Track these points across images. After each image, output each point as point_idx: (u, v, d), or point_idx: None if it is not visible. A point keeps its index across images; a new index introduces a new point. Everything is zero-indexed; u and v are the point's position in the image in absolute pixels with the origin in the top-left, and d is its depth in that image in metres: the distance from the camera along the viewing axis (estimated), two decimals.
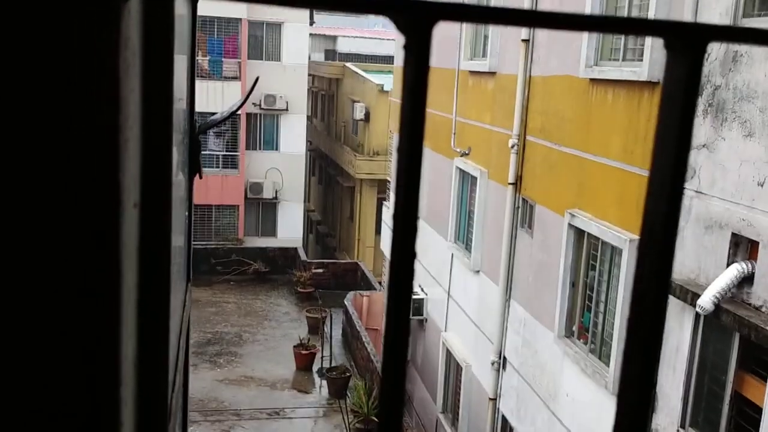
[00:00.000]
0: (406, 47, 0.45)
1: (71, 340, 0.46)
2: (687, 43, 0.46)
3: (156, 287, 0.64)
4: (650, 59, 7.23)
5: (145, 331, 0.62)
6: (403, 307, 0.49)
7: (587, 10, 8.41)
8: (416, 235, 0.47)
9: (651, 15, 7.22)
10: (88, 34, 0.40)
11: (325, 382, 16.67)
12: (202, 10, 26.19)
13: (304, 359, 17.45)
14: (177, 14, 1.01)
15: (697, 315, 6.29)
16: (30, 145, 0.43)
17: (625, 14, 7.96)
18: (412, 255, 0.47)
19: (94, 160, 0.42)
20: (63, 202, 0.43)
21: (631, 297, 0.52)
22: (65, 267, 0.44)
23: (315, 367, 17.53)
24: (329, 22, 43.68)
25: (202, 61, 25.12)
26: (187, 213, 1.53)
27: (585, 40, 8.47)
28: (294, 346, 17.69)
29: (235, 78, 25.27)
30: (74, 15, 0.40)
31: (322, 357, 17.39)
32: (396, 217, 0.45)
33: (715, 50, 6.36)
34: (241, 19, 25.11)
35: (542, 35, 9.82)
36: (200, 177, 1.61)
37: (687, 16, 6.67)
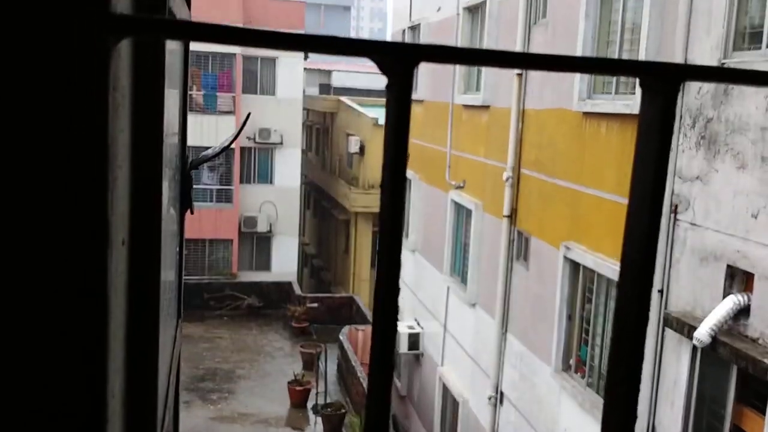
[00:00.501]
0: (388, 87, 0.46)
1: (56, 377, 0.46)
2: (661, 82, 0.47)
3: (145, 324, 0.64)
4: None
5: (134, 368, 0.62)
6: (388, 349, 0.50)
7: (579, 44, 8.54)
8: (399, 271, 0.47)
9: (642, 48, 7.32)
10: (78, 77, 0.41)
11: (320, 419, 16.45)
12: (197, 45, 26.49)
13: (299, 396, 17.25)
14: (168, 49, 1.02)
15: (695, 348, 6.27)
16: (18, 182, 0.43)
17: (617, 47, 8.09)
18: (396, 289, 0.48)
19: (82, 199, 0.43)
20: (51, 238, 0.43)
21: (613, 322, 0.52)
22: (52, 302, 0.44)
23: (310, 404, 17.32)
24: (324, 57, 44.15)
25: (197, 95, 25.31)
26: (178, 248, 1.54)
27: (578, 74, 8.58)
28: (288, 382, 17.50)
29: (229, 112, 25.43)
30: (64, 57, 0.41)
31: (317, 393, 17.20)
32: (380, 253, 0.46)
33: (706, 83, 6.45)
34: (235, 54, 25.38)
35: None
36: (191, 212, 1.61)
37: (678, 50, 6.77)
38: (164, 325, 1.00)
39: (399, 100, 0.45)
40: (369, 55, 0.44)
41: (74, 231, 0.45)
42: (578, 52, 8.56)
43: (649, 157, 0.48)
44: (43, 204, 0.42)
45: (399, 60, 0.44)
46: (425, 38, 14.50)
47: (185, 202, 1.50)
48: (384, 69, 0.45)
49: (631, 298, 0.50)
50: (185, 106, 1.59)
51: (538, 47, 9.85)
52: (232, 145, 26.32)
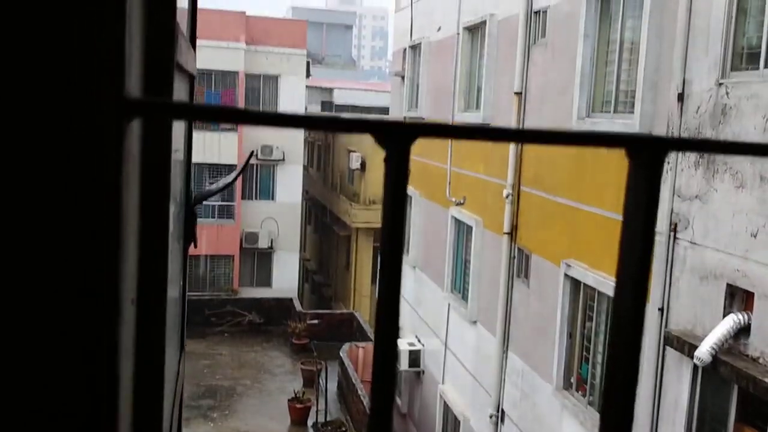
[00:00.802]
0: (386, 160, 0.48)
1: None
2: (647, 153, 0.50)
3: (150, 386, 0.66)
4: (641, 111, 7.36)
5: (139, 416, 0.64)
6: (389, 369, 0.52)
7: (578, 63, 8.60)
8: (397, 333, 0.49)
9: (641, 67, 7.37)
10: (92, 157, 0.44)
11: None
12: (200, 63, 26.48)
13: (299, 413, 17.17)
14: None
15: (695, 367, 6.26)
16: (36, 247, 0.45)
17: (616, 66, 8.14)
18: (396, 322, 0.50)
19: (94, 265, 0.45)
20: (63, 300, 0.45)
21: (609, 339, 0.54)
22: (62, 368, 0.46)
23: (310, 422, 17.24)
24: (326, 74, 44.41)
25: None
26: (181, 283, 1.56)
27: (577, 92, 8.64)
28: (288, 400, 17.43)
29: (232, 129, 25.53)
30: (80, 138, 0.43)
31: (317, 411, 17.12)
32: (377, 323, 0.48)
33: (704, 102, 6.49)
34: (238, 72, 25.52)
35: (535, 87, 10.00)
36: (195, 246, 1.63)
37: (676, 69, 6.82)
38: (168, 366, 1.02)
39: (396, 173, 0.47)
40: (370, 132, 0.47)
41: (85, 293, 0.47)
42: (577, 72, 8.62)
43: (637, 225, 0.50)
44: (61, 268, 0.45)
45: (397, 137, 0.46)
46: (425, 57, 14.59)
47: (188, 237, 1.53)
48: (382, 144, 0.47)
49: (618, 381, 0.52)
50: (190, 140, 1.62)
51: (537, 67, 9.92)
52: (234, 161, 26.36)
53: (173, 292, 1.28)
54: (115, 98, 0.43)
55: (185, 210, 1.49)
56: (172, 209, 1.27)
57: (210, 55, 24.35)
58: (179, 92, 1.24)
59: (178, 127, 1.35)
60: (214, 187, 2.50)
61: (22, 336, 0.47)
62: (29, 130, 0.43)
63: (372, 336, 21.14)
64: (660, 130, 6.99)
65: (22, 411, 0.48)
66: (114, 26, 0.43)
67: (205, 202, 25.95)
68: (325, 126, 0.46)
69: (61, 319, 0.46)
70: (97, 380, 0.46)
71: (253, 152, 3.25)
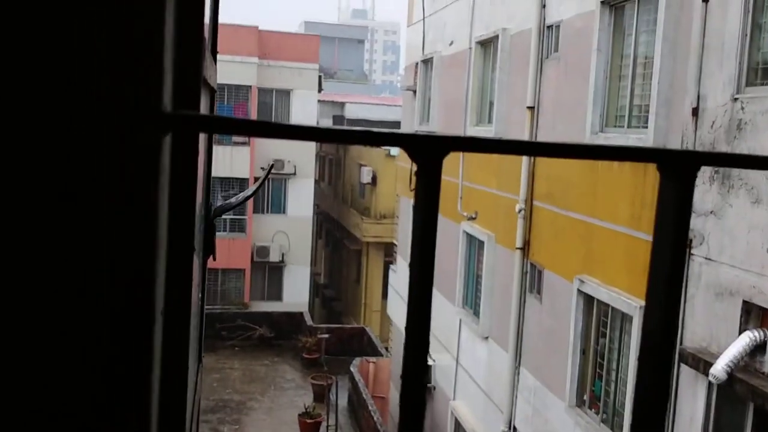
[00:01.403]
0: (418, 173, 0.48)
1: None
2: (678, 168, 0.50)
3: (175, 394, 0.66)
4: (655, 126, 7.33)
5: (164, 426, 0.64)
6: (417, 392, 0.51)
7: (591, 78, 8.59)
8: (427, 350, 0.49)
9: (654, 82, 7.35)
10: (131, 170, 0.44)
11: None
12: None
13: (310, 428, 17.10)
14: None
15: (710, 384, 6.19)
16: (76, 259, 0.46)
17: (629, 81, 8.13)
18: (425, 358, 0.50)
19: (133, 278, 0.45)
20: (102, 313, 0.46)
21: (637, 361, 0.54)
22: (102, 376, 0.46)
23: None
24: (337, 88, 44.63)
25: None
26: (200, 294, 1.56)
27: (590, 106, 8.63)
28: (299, 415, 17.37)
29: (244, 143, 25.67)
30: (118, 152, 0.44)
31: (327, 426, 17.05)
32: (408, 332, 0.48)
33: (719, 117, 6.46)
34: (251, 86, 25.68)
35: (547, 102, 10.00)
36: (214, 259, 1.64)
37: (690, 84, 6.80)
38: (188, 378, 1.02)
39: (428, 187, 0.47)
40: (402, 145, 0.47)
41: (122, 305, 0.47)
42: (590, 87, 8.61)
43: (667, 241, 0.50)
44: (99, 286, 0.45)
45: (429, 150, 0.46)
46: (437, 71, 14.64)
47: (208, 250, 1.53)
48: (414, 157, 0.47)
49: (650, 390, 0.52)
50: (210, 154, 1.64)
51: (550, 81, 9.92)
52: (246, 175, 26.48)
53: (194, 305, 1.29)
54: (154, 112, 0.43)
55: (205, 223, 1.50)
56: (195, 222, 1.28)
57: (223, 69, 24.46)
58: (203, 106, 1.26)
59: (200, 142, 1.36)
60: (234, 200, 2.52)
61: (65, 346, 0.47)
62: (74, 145, 0.44)
63: (382, 351, 21.05)
64: (674, 145, 6.96)
65: (65, 416, 0.48)
66: (153, 40, 0.44)
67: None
68: (358, 140, 0.46)
69: (101, 330, 0.46)
70: (133, 392, 0.46)
71: (272, 164, 3.27)
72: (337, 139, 0.46)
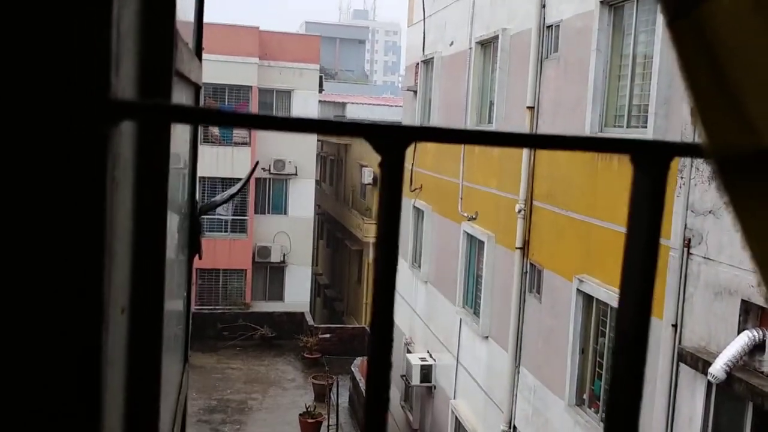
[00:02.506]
0: (381, 165, 0.47)
1: None
2: (651, 159, 0.48)
3: (146, 397, 0.64)
4: (654, 125, 7.32)
5: (132, 428, 0.63)
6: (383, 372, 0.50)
7: (591, 78, 8.57)
8: (391, 345, 0.48)
9: (654, 81, 7.34)
10: (75, 162, 0.43)
11: None
12: (214, 77, 26.60)
13: (311, 428, 17.10)
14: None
15: (709, 384, 6.17)
16: (14, 255, 0.44)
17: (628, 81, 8.11)
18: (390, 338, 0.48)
19: (77, 271, 0.44)
20: (45, 309, 0.44)
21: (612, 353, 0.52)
22: (45, 372, 0.45)
23: None
24: (338, 89, 44.63)
25: (213, 127, 25.57)
26: (186, 295, 1.55)
27: (589, 106, 8.61)
28: (300, 415, 17.36)
29: (245, 144, 25.67)
30: (62, 142, 0.42)
31: (328, 426, 17.04)
32: (372, 329, 0.46)
33: None
34: (251, 86, 25.68)
35: (547, 101, 9.99)
36: (200, 258, 1.63)
37: None
38: (169, 375, 1.01)
39: (391, 178, 0.46)
40: (364, 136, 0.46)
41: (70, 301, 0.46)
42: (590, 86, 8.59)
43: (641, 233, 0.48)
44: (39, 280, 0.44)
45: (392, 141, 0.45)
46: (438, 71, 14.62)
47: (194, 248, 1.52)
48: (377, 148, 0.46)
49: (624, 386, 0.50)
50: (196, 151, 1.62)
51: (549, 81, 9.91)
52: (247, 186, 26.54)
53: (176, 303, 1.28)
54: (100, 99, 0.42)
55: (190, 221, 1.49)
56: (177, 219, 1.27)
57: (224, 69, 24.54)
58: (183, 101, 1.24)
59: (183, 138, 1.35)
60: (219, 198, 2.50)
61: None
62: (8, 133, 0.42)
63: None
64: None
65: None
66: (100, 27, 0.43)
67: (217, 216, 26.07)
68: (316, 128, 0.45)
69: (44, 324, 0.45)
70: (79, 387, 0.45)
71: (257, 163, 3.26)
72: (293, 128, 0.44)
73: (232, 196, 2.55)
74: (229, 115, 0.42)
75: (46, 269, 0.44)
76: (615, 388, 0.50)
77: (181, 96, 1.12)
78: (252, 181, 25.81)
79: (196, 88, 1.49)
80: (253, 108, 25.77)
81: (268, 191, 26.93)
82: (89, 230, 0.43)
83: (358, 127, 0.45)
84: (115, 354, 0.53)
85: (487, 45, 12.27)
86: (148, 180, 0.62)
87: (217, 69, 24.20)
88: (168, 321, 0.93)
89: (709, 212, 6.46)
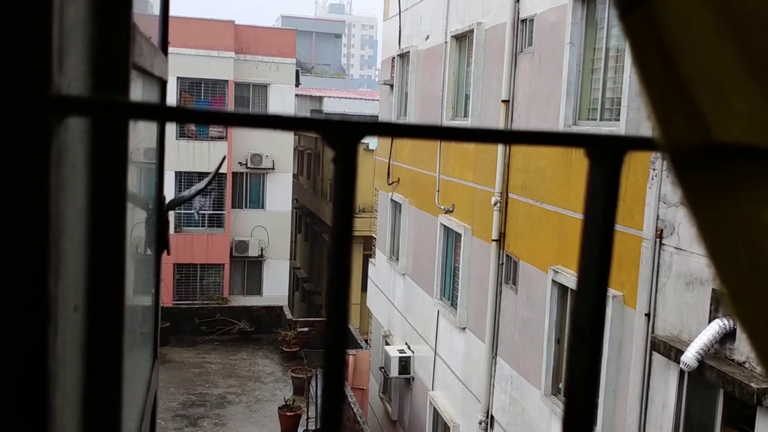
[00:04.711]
0: (334, 161, 0.47)
1: None
2: (606, 153, 0.48)
3: (107, 395, 0.63)
4: (627, 118, 7.39)
5: (91, 427, 0.62)
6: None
7: (564, 71, 8.63)
8: (346, 335, 0.48)
9: (626, 74, 7.41)
10: (16, 159, 0.42)
11: None
12: (190, 72, 26.31)
13: (289, 421, 17.09)
14: (143, 101, 1.02)
15: (682, 372, 6.27)
16: None
17: (602, 74, 8.17)
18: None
19: (20, 280, 0.43)
20: None
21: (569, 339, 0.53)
22: None
23: (300, 429, 17.15)
24: (315, 83, 44.44)
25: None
26: (154, 290, 1.53)
27: (563, 99, 8.67)
28: (279, 408, 17.35)
29: (221, 138, 25.48)
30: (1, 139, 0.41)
31: (307, 418, 17.04)
32: (327, 324, 0.46)
33: None
34: (227, 80, 25.49)
35: (522, 95, 10.03)
36: (168, 254, 1.61)
37: None
38: (135, 371, 0.99)
39: (344, 172, 0.46)
40: (316, 130, 0.45)
41: (13, 310, 0.45)
42: (564, 80, 8.65)
43: (595, 226, 0.48)
44: None
45: (343, 136, 0.45)
46: (414, 65, 14.62)
47: (161, 244, 1.50)
48: (330, 144, 0.46)
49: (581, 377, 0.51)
50: (162, 147, 1.60)
51: (524, 75, 9.95)
52: (224, 170, 26.28)
53: (142, 299, 1.26)
54: (40, 95, 0.41)
55: (158, 216, 1.47)
56: (142, 215, 1.25)
57: (199, 63, 24.32)
58: (147, 96, 1.23)
59: (149, 133, 1.33)
60: (186, 193, 2.49)
61: None
62: None
63: (362, 343, 21.11)
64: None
65: None
66: (39, 20, 0.41)
67: (194, 211, 25.88)
68: (269, 124, 0.44)
69: None
70: (24, 388, 0.44)
71: (224, 158, 3.24)
72: (248, 123, 0.44)
73: (199, 191, 2.54)
74: (181, 111, 0.42)
75: None
76: (572, 377, 0.50)
77: (142, 91, 1.11)
78: (228, 175, 25.67)
79: (162, 82, 1.47)
80: (229, 102, 25.59)
81: (245, 185, 26.79)
82: (31, 227, 0.42)
83: (309, 123, 0.44)
84: (68, 353, 0.52)
85: (463, 39, 12.29)
86: (104, 176, 0.61)
87: (192, 63, 23.98)
88: (132, 317, 0.91)
89: (681, 203, 6.54)
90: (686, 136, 0.46)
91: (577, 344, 0.51)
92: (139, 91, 1.04)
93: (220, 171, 24.92)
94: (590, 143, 0.49)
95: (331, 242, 0.47)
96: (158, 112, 0.41)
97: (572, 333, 0.52)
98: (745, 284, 0.46)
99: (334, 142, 0.45)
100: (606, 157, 0.48)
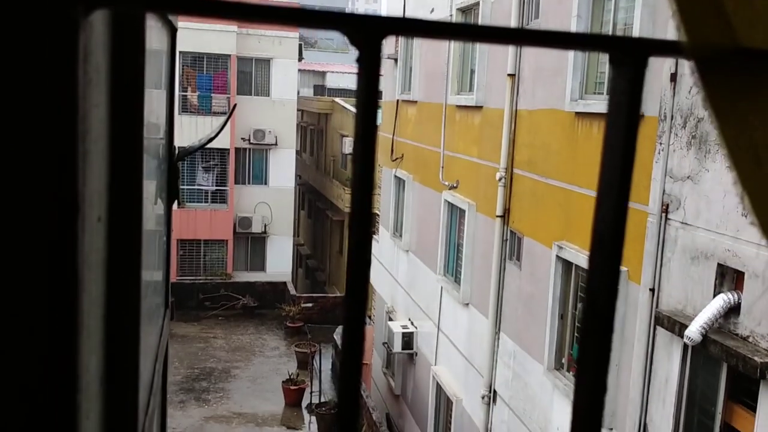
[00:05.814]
0: (358, 60, 0.46)
1: (27, 353, 0.46)
2: (629, 56, 0.48)
3: (125, 301, 0.64)
4: None
5: (113, 345, 0.62)
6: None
7: (570, 55, 8.54)
8: (371, 241, 0.48)
9: (636, 26, 7.33)
10: (45, 50, 0.42)
11: (314, 418, 16.45)
12: (192, 46, 26.17)
13: (294, 395, 17.25)
14: (153, 49, 1.02)
15: (686, 346, 6.29)
16: None
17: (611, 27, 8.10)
18: (367, 262, 0.49)
19: (50, 171, 0.43)
20: (17, 211, 0.43)
21: (583, 309, 0.53)
22: (20, 276, 0.44)
23: (304, 403, 17.32)
24: (318, 58, 44.18)
25: (192, 96, 25.25)
26: (165, 237, 1.54)
27: (570, 74, 8.61)
28: (283, 382, 17.50)
29: (224, 113, 25.38)
30: (30, 29, 0.41)
31: (311, 392, 17.20)
32: (351, 225, 0.46)
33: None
34: (230, 55, 25.34)
35: (528, 69, 9.97)
36: (179, 205, 1.61)
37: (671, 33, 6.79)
38: (149, 310, 1.00)
39: (368, 73, 0.45)
40: (338, 27, 0.45)
41: (43, 205, 0.45)
42: (570, 54, 8.57)
43: (619, 131, 0.48)
44: (9, 175, 0.43)
45: (368, 33, 0.44)
46: (419, 39, 14.49)
47: (173, 193, 1.51)
48: (353, 42, 0.46)
49: (601, 278, 0.51)
50: (172, 101, 1.60)
51: (530, 49, 9.87)
52: (227, 146, 26.19)
53: (157, 243, 1.27)
54: None
55: (168, 165, 1.48)
56: (155, 163, 1.25)
57: (202, 38, 24.17)
58: (159, 42, 1.22)
59: (158, 95, 1.32)
60: (197, 142, 2.49)
61: None
62: None
63: (365, 319, 21.24)
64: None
65: None
66: None
67: (197, 187, 25.87)
68: (287, 20, 0.44)
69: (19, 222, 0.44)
70: (57, 284, 0.44)
71: (236, 105, 3.24)
72: (263, 18, 0.43)
73: (210, 140, 2.54)
74: (203, 3, 0.41)
75: (16, 168, 0.43)
76: (583, 360, 0.50)
77: (158, 37, 1.10)
78: (231, 151, 25.62)
79: (173, 30, 1.46)
80: (232, 77, 25.46)
81: (248, 161, 26.76)
82: (60, 125, 0.42)
83: (332, 17, 0.44)
84: (93, 259, 0.53)
85: (468, 12, 12.18)
86: (124, 82, 0.61)
87: (195, 38, 23.82)
88: (149, 258, 0.92)
89: (687, 178, 6.52)
90: (714, 41, 0.46)
91: (596, 260, 0.51)
92: (154, 36, 1.03)
93: (223, 147, 24.88)
94: (612, 46, 0.48)
95: (354, 142, 0.47)
96: (190, 4, 0.41)
97: (592, 245, 0.52)
98: (766, 186, 0.46)
99: (358, 39, 0.44)
100: (629, 60, 0.48)
